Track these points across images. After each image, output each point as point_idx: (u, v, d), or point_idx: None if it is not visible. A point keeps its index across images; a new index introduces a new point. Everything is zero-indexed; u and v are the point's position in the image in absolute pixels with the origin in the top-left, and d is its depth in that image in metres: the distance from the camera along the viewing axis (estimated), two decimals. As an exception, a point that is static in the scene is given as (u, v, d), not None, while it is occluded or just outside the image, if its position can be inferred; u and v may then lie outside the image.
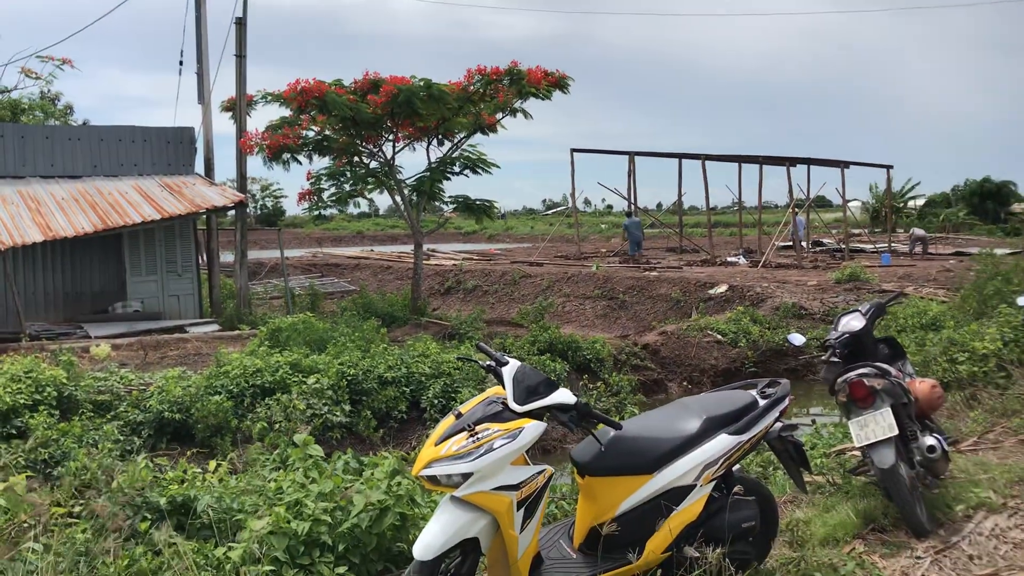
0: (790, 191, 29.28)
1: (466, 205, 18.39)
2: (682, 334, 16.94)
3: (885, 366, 5.47)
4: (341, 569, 4.51)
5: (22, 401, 10.43)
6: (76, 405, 10.92)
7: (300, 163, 17.08)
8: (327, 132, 17.15)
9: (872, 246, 32.97)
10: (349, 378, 12.02)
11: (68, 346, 13.73)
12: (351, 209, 18.18)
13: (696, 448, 4.29)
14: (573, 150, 32.69)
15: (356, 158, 17.79)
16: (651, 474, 4.23)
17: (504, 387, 4.09)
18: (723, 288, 21.02)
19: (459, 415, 4.11)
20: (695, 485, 4.26)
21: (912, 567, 4.76)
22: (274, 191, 79.57)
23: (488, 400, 4.13)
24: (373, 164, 18.25)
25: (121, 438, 10.42)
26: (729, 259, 29.27)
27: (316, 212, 17.99)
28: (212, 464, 5.53)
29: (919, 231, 31.20)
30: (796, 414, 13.50)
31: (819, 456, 7.04)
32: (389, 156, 17.77)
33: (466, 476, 3.86)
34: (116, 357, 13.78)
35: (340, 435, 11.40)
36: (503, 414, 4.01)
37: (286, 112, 17.15)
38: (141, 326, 15.75)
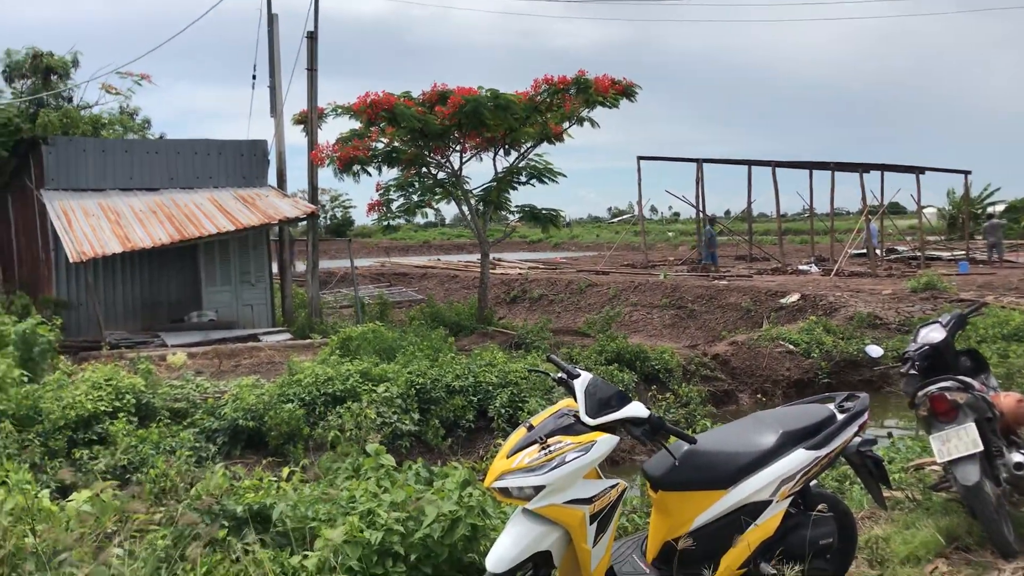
0: (863, 198, 28.66)
1: (532, 214, 18.42)
2: (753, 344, 16.69)
3: (968, 379, 5.31)
4: (413, 579, 4.52)
5: (103, 408, 10.74)
6: (154, 412, 11.20)
7: (370, 174, 17.34)
8: (396, 144, 17.35)
9: (949, 254, 32.09)
10: (418, 387, 12.10)
11: (146, 354, 14.10)
12: (418, 219, 18.38)
13: (772, 463, 4.21)
14: (640, 158, 32.51)
15: (424, 169, 17.95)
16: (726, 489, 4.17)
17: (576, 400, 4.07)
18: (795, 297, 20.66)
19: (531, 427, 4.10)
20: (771, 500, 4.19)
21: (997, 588, 4.61)
22: (343, 202, 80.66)
23: (560, 413, 4.11)
24: (440, 175, 18.40)
25: (197, 445, 10.66)
26: (800, 267, 28.76)
27: (385, 223, 18.19)
28: (285, 471, 5.59)
29: (996, 220, 30.10)
30: (872, 427, 13.18)
31: (897, 471, 6.85)
32: (456, 167, 17.90)
33: (538, 489, 3.85)
34: (192, 365, 14.10)
35: (409, 444, 11.48)
36: (575, 427, 3.99)
37: (356, 124, 17.41)
38: (216, 335, 16.11)
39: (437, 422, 11.86)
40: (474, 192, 18.54)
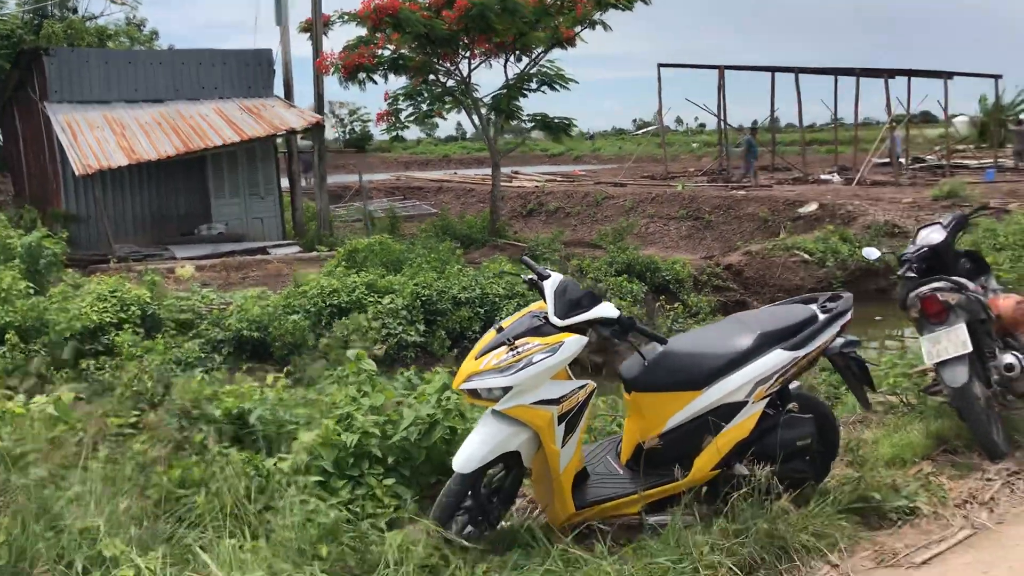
0: (888, 105, 27.94)
1: (544, 123, 18.09)
2: (767, 254, 16.50)
3: (962, 280, 5.13)
4: (389, 480, 4.51)
5: (108, 319, 10.79)
6: (159, 324, 11.25)
7: (376, 83, 17.02)
8: (403, 51, 16.97)
9: (977, 162, 31.36)
10: (424, 298, 12.06)
11: (154, 267, 14.11)
12: (429, 130, 18.18)
13: (748, 364, 4.10)
14: (660, 65, 31.68)
15: (433, 77, 17.58)
16: (700, 390, 4.07)
17: (546, 301, 3.97)
18: (813, 206, 20.33)
19: (500, 329, 4.02)
20: (746, 402, 4.09)
21: (981, 489, 4.52)
22: (363, 115, 79.65)
23: (530, 315, 4.02)
24: (450, 83, 18.02)
25: (202, 355, 10.73)
26: (823, 177, 28.25)
27: (394, 133, 17.92)
28: (269, 378, 5.55)
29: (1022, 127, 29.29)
30: (887, 334, 13.04)
31: (897, 376, 6.72)
32: (465, 74, 17.51)
33: (506, 390, 3.78)
34: (200, 278, 14.11)
35: (414, 354, 11.49)
36: (544, 328, 3.89)
37: (362, 31, 17.02)
38: (225, 247, 16.10)
39: (443, 333, 11.86)
40: (484, 100, 18.19)
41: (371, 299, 12.04)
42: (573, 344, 3.84)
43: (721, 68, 30.74)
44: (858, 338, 4.58)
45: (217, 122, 16.83)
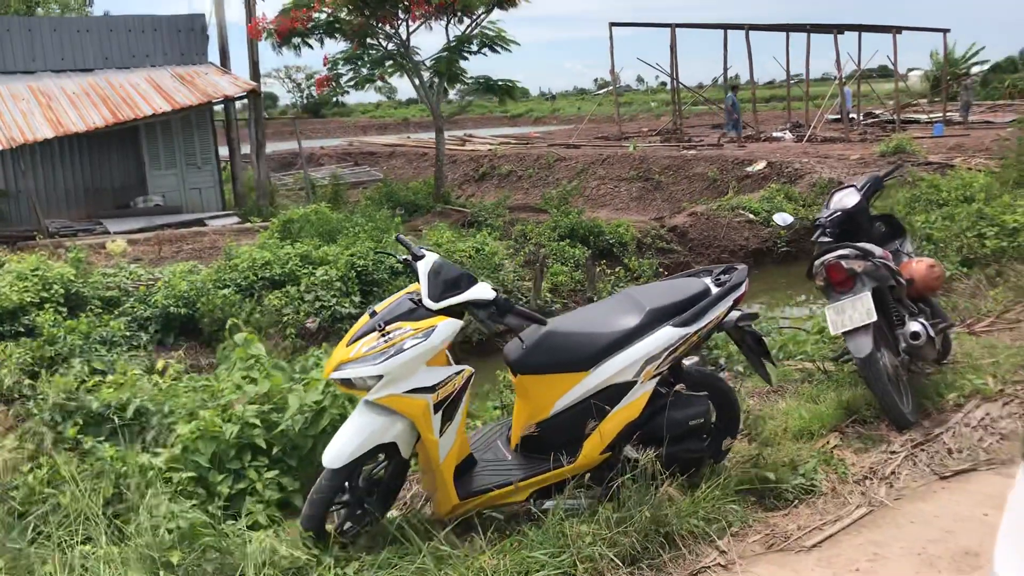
0: (838, 60, 27.79)
1: (487, 86, 17.75)
2: (712, 214, 16.38)
3: (869, 246, 5.00)
4: (271, 473, 4.32)
5: (28, 299, 10.43)
6: (84, 302, 10.90)
7: (311, 47, 16.57)
8: (339, 14, 16.50)
9: (927, 117, 31.42)
10: (359, 269, 11.80)
11: (83, 243, 13.71)
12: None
13: (636, 342, 3.94)
14: (612, 24, 31.37)
15: (372, 40, 17.14)
16: (587, 371, 3.91)
17: (419, 283, 3.77)
18: (761, 165, 20.22)
19: (374, 314, 3.82)
20: (635, 382, 3.94)
21: (883, 463, 4.42)
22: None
23: (406, 297, 3.82)
24: (391, 47, 17.59)
25: (128, 334, 10.43)
26: (774, 134, 28.15)
27: (334, 98, 17.51)
28: (160, 363, 5.32)
29: (969, 79, 29.42)
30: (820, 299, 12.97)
31: (815, 342, 6.64)
32: (404, 37, 17.09)
33: (377, 378, 3.59)
34: (133, 253, 13.75)
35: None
36: (417, 312, 3.71)
37: (297, -6, 16.50)
38: (160, 220, 15.67)
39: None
40: (426, 64, 17.79)
41: (305, 271, 11.76)
42: (446, 328, 3.65)
43: (672, 26, 30.45)
44: (754, 310, 4.45)
45: (148, 91, 16.30)
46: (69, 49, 17.08)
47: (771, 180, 19.03)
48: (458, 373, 3.72)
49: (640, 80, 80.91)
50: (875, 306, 4.81)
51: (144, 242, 14.18)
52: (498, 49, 17.02)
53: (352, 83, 17.43)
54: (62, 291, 10.76)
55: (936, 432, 4.71)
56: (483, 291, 3.70)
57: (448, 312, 3.70)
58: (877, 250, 5.02)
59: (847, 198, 5.65)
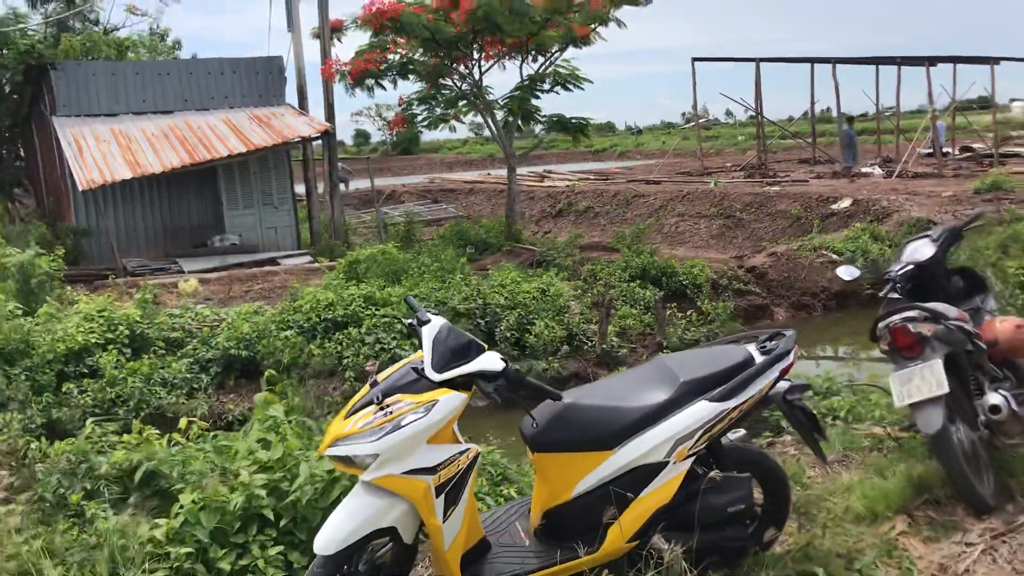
0: (930, 93, 26.67)
1: (560, 124, 17.52)
2: (793, 255, 15.73)
3: (940, 307, 4.49)
4: (275, 549, 4.03)
5: (93, 340, 10.52)
6: (148, 343, 10.95)
7: (384, 88, 16.64)
8: (413, 55, 16.53)
9: (1030, 150, 29.95)
10: (421, 311, 11.57)
11: (156, 282, 13.89)
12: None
13: (667, 419, 3.55)
14: (694, 59, 30.91)
15: (445, 80, 17.11)
16: (611, 450, 3.53)
17: (423, 350, 3.45)
18: (846, 202, 19.43)
19: (375, 383, 3.52)
20: (667, 463, 3.54)
21: (956, 558, 3.90)
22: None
23: (409, 366, 3.51)
24: (464, 87, 17.53)
25: (188, 376, 10.41)
26: (863, 170, 27.15)
27: (409, 137, 17.50)
28: (183, 422, 5.10)
29: None
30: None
31: (889, 405, 6.08)
32: (477, 77, 17.01)
33: (373, 457, 3.28)
34: (204, 292, 13.86)
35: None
36: (419, 383, 3.39)
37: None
38: (233, 259, 15.83)
39: (441, 347, 11.36)
40: (499, 103, 17.66)
41: (368, 312, 11.60)
42: (449, 403, 3.33)
43: (757, 61, 29.86)
44: (805, 382, 3.98)
45: (224, 132, 16.57)
46: (150, 92, 17.53)
47: (856, 218, 18.25)
48: (463, 452, 3.38)
49: (729, 114, 79.73)
50: (948, 375, 4.30)
51: (216, 281, 14.29)
52: (570, 87, 16.81)
53: (426, 123, 17.41)
54: (127, 332, 10.84)
55: (1021, 520, 4.16)
56: (491, 361, 3.37)
57: (453, 384, 3.37)
58: (951, 311, 4.51)
59: (920, 250, 5.15)
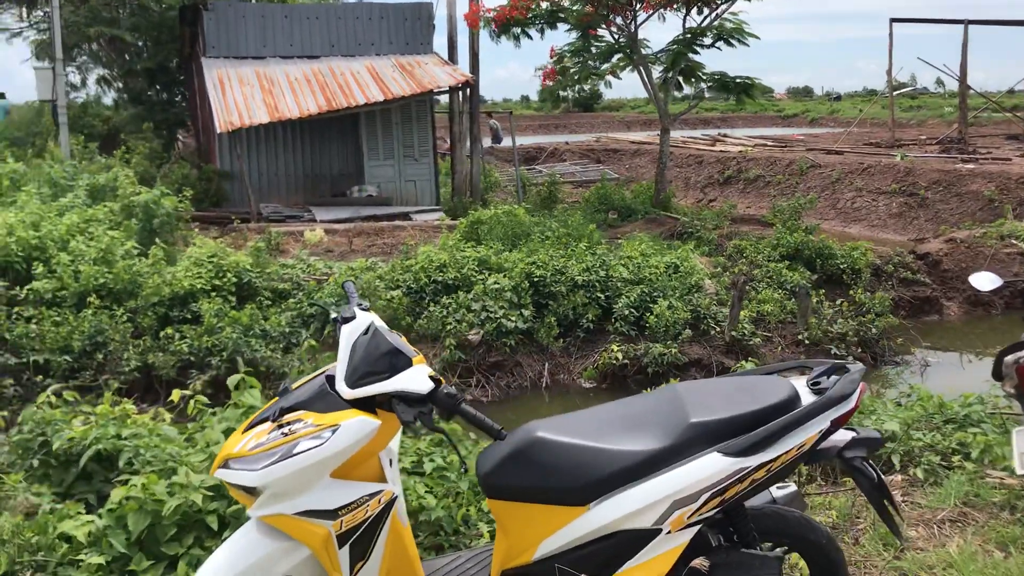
0: None
1: (722, 84, 16.12)
2: (975, 242, 13.89)
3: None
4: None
5: (200, 286, 10.34)
6: (255, 292, 10.72)
7: (531, 38, 15.76)
8: (566, 3, 15.54)
9: None
10: (536, 279, 10.80)
11: (285, 229, 13.74)
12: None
13: (663, 472, 2.61)
14: (892, 20, 28.34)
15: (598, 31, 16.04)
16: (584, 506, 2.64)
17: (339, 356, 2.66)
18: (1051, 186, 17.09)
19: (284, 391, 2.76)
20: (658, 531, 2.62)
21: None
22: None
23: (324, 375, 2.73)
24: (623, 39, 16.40)
25: (288, 330, 10.07)
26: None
27: (556, 93, 16.61)
28: (176, 395, 4.52)
29: None
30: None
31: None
32: (633, 28, 15.83)
33: (254, 490, 2.55)
34: (329, 243, 13.59)
35: (516, 342, 10.30)
36: (327, 399, 2.60)
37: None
38: (366, 211, 15.50)
39: (553, 320, 10.57)
40: (659, 57, 16.44)
41: (481, 277, 10.93)
42: (355, 429, 2.52)
43: (965, 23, 26.94)
44: (877, 433, 2.91)
45: (366, 80, 16.19)
46: (298, 36, 17.36)
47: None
48: (374, 495, 2.58)
49: (940, 83, 73.50)
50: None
51: (343, 233, 14.00)
52: (734, 42, 15.35)
53: (577, 77, 16.45)
54: (234, 280, 10.61)
55: None
56: (415, 380, 2.53)
57: (367, 404, 2.57)
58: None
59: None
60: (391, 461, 2.76)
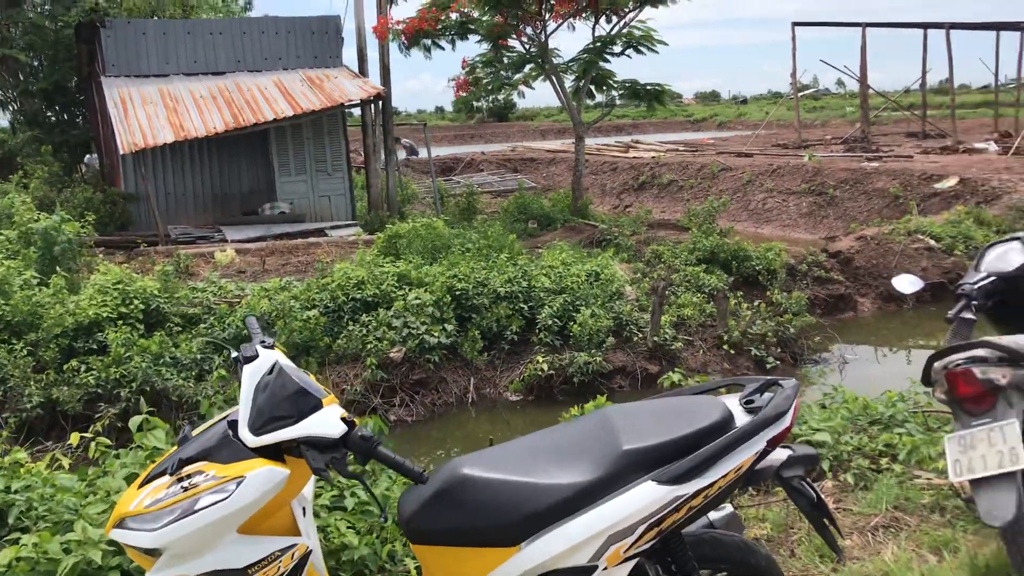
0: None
1: (633, 91, 16.21)
2: (884, 239, 14.19)
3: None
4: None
5: (105, 314, 9.88)
6: (164, 319, 10.28)
7: (442, 48, 15.64)
8: (475, 14, 15.44)
9: None
10: (458, 292, 10.62)
11: (195, 251, 13.30)
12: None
13: (597, 505, 2.47)
14: (794, 24, 29.15)
15: (508, 42, 15.98)
16: (515, 546, 2.47)
17: (240, 400, 2.44)
18: (952, 182, 17.64)
19: (184, 439, 2.54)
20: (594, 567, 2.47)
21: None
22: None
23: (227, 420, 2.51)
24: (534, 49, 16.36)
25: (199, 357, 9.68)
26: (977, 146, 24.98)
27: (470, 104, 16.48)
28: (75, 438, 4.21)
29: None
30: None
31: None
32: (543, 38, 15.81)
33: (155, 552, 2.32)
34: (241, 264, 13.19)
35: (440, 357, 10.09)
36: (230, 448, 2.39)
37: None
38: (279, 229, 15.12)
39: (477, 333, 10.40)
40: (570, 66, 16.45)
41: (402, 292, 10.70)
42: (261, 480, 2.31)
43: (863, 26, 27.81)
44: (813, 450, 2.82)
45: (274, 94, 15.81)
46: (202, 52, 16.85)
47: (962, 200, 16.49)
48: (287, 550, 2.38)
49: (840, 84, 75.78)
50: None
51: (256, 252, 13.61)
52: (643, 50, 15.47)
53: (490, 87, 16.34)
54: (142, 307, 10.16)
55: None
56: (325, 424, 2.33)
57: (272, 451, 2.37)
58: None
59: (1007, 257, 3.90)
60: (304, 510, 2.55)
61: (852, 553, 3.90)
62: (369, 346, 9.89)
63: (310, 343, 9.94)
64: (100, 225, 15.02)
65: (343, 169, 17.19)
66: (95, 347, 9.65)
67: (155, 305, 10.28)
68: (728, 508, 2.94)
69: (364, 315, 10.38)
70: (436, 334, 10.07)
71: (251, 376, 2.43)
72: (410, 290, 10.64)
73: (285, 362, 2.48)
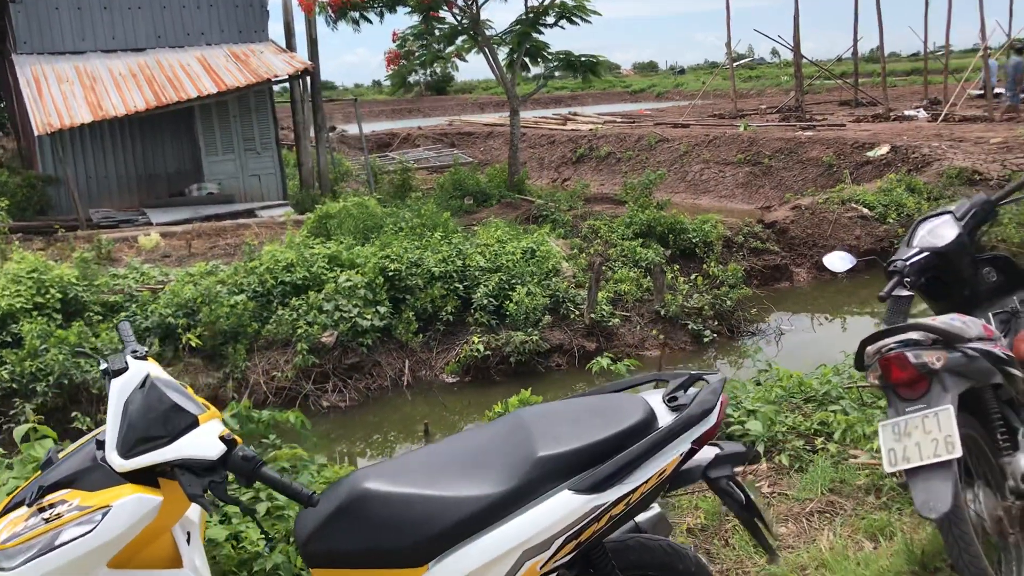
0: (983, 28, 24.61)
1: (567, 63, 15.99)
2: (819, 208, 14.22)
3: (957, 322, 3.14)
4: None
5: (19, 305, 9.42)
6: (83, 308, 9.85)
7: (371, 22, 15.21)
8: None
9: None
10: (391, 273, 10.36)
11: (118, 235, 12.79)
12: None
13: (510, 518, 2.27)
14: (728, -8, 29.10)
15: (440, 13, 15.62)
16: (422, 566, 2.27)
17: (107, 419, 2.19)
18: (884, 149, 17.77)
19: (48, 463, 2.28)
20: (510, 584, 2.28)
21: None
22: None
23: (93, 441, 2.26)
24: (465, 21, 16.03)
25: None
26: (907, 113, 25.29)
27: (403, 77, 16.11)
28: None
29: None
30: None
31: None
32: (475, 9, 15.50)
33: None
34: (167, 247, 12.73)
35: (373, 341, 9.84)
36: (97, 472, 2.14)
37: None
38: (206, 211, 14.64)
39: (412, 315, 10.15)
40: (503, 38, 16.15)
41: (333, 275, 10.40)
42: (127, 510, 2.07)
43: (796, -7, 27.87)
44: (742, 446, 2.66)
45: (197, 71, 15.24)
46: (120, 28, 16.16)
47: (894, 167, 16.63)
48: (170, 581, 2.15)
49: (775, 53, 76.44)
50: (966, 420, 2.98)
51: (182, 235, 13.14)
52: (576, 21, 15.24)
53: (420, 61, 15.98)
54: (59, 296, 9.71)
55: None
56: (201, 444, 2.10)
57: (144, 475, 2.12)
58: (972, 327, 3.15)
59: (939, 231, 3.79)
60: (189, 536, 2.31)
61: (787, 541, 3.79)
62: (300, 331, 9.60)
63: (238, 329, 9.60)
64: (18, 210, 14.38)
65: (272, 147, 16.71)
66: (9, 340, 9.21)
67: (73, 294, 9.83)
68: (656, 508, 2.78)
69: (294, 299, 10.07)
70: (369, 317, 9.82)
71: (120, 391, 2.19)
72: (341, 272, 10.35)
73: (159, 374, 2.24)
